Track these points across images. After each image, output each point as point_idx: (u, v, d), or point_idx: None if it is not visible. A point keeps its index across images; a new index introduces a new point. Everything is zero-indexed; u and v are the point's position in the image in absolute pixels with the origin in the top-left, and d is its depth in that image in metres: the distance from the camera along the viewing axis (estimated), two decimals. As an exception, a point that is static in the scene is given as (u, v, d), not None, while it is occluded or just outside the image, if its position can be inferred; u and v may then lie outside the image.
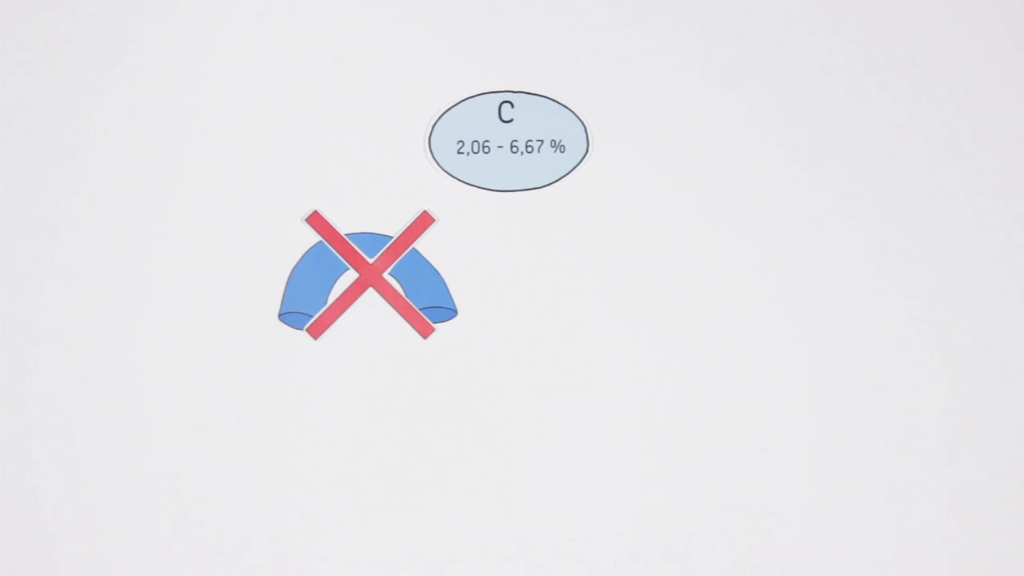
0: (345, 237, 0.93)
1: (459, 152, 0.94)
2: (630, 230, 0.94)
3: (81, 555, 0.91)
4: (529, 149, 0.94)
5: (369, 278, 0.93)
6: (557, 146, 0.94)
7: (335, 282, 0.93)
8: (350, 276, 0.93)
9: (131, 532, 0.91)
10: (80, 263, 0.92)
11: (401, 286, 0.93)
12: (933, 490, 0.94)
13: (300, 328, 0.93)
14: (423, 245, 0.94)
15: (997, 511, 0.94)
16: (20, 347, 0.92)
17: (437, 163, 0.94)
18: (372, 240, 0.93)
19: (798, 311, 0.94)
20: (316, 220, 0.93)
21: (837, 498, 0.94)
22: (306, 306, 0.93)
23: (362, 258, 0.93)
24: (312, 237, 0.93)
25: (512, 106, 0.94)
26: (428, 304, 0.93)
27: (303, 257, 0.93)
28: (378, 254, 0.93)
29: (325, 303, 0.93)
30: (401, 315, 0.93)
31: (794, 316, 0.94)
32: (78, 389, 0.92)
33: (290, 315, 0.93)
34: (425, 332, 0.93)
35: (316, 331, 0.93)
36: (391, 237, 0.93)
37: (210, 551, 0.92)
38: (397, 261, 0.93)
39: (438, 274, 0.94)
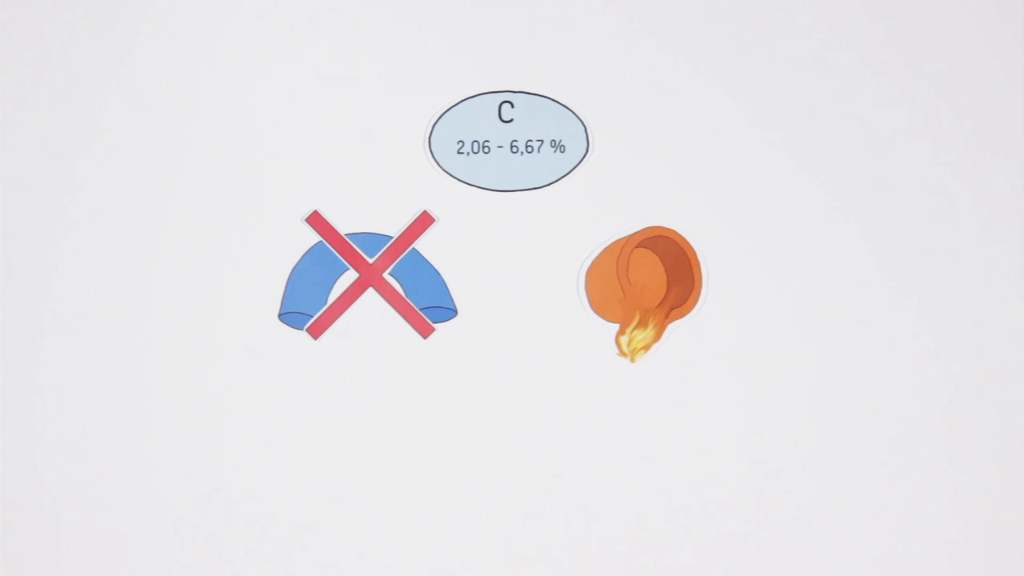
0: (345, 237, 0.93)
1: (459, 152, 0.94)
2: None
3: (83, 552, 0.91)
4: (529, 149, 0.94)
5: (369, 278, 0.93)
6: (557, 146, 0.94)
7: (335, 282, 0.93)
8: (350, 276, 0.93)
9: (132, 529, 0.91)
10: (81, 263, 0.92)
11: (401, 286, 0.94)
12: (934, 489, 0.94)
13: (300, 328, 0.93)
14: (423, 245, 0.94)
15: (998, 510, 0.94)
16: (24, 346, 0.92)
17: (437, 163, 0.94)
18: (372, 240, 0.93)
19: (798, 311, 0.94)
20: (316, 220, 0.93)
21: (838, 498, 0.94)
22: (306, 306, 0.93)
23: (362, 258, 0.93)
24: (312, 237, 0.93)
25: (512, 106, 0.94)
26: (428, 304, 0.93)
27: (303, 257, 0.93)
28: (378, 254, 0.93)
29: (325, 303, 0.93)
30: (401, 315, 0.93)
31: (794, 316, 0.94)
32: (78, 387, 0.92)
33: (290, 315, 0.93)
34: (425, 332, 0.93)
35: (316, 331, 0.93)
36: (391, 237, 0.93)
37: (209, 549, 0.92)
38: (397, 261, 0.93)
39: (438, 274, 0.94)
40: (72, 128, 0.93)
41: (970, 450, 0.94)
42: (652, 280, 0.94)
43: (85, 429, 0.92)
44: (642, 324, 0.93)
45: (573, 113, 0.94)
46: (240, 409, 0.92)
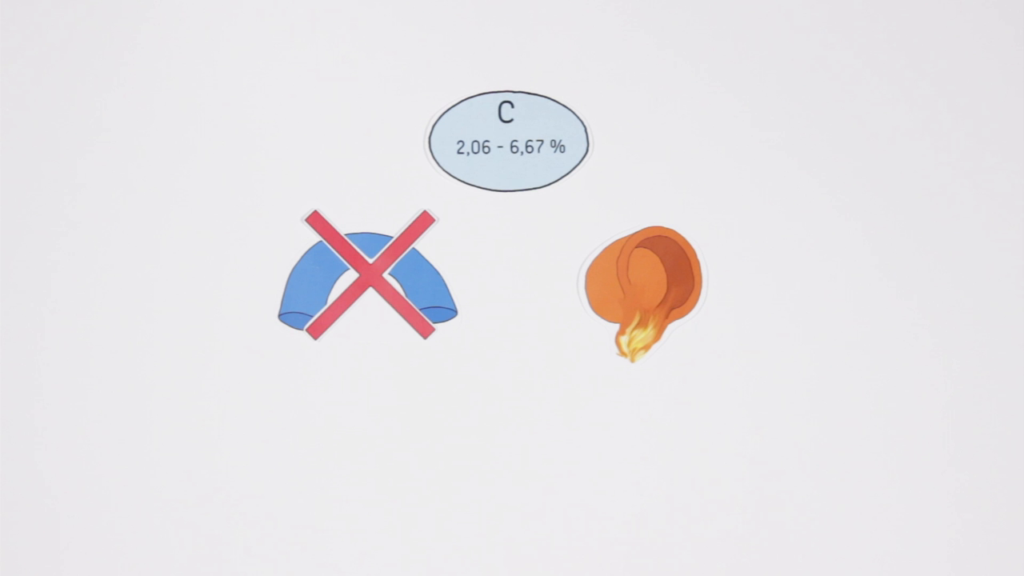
0: (345, 237, 0.93)
1: (459, 152, 0.94)
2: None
3: (83, 552, 0.91)
4: (529, 149, 0.94)
5: (369, 278, 0.93)
6: (557, 146, 0.94)
7: (335, 282, 0.93)
8: (350, 276, 0.93)
9: (132, 529, 0.91)
10: (81, 263, 0.92)
11: (401, 286, 0.94)
12: (934, 489, 0.94)
13: (300, 328, 0.93)
14: (423, 245, 0.94)
15: (998, 510, 0.94)
16: (24, 346, 0.92)
17: (437, 163, 0.94)
18: (372, 240, 0.93)
19: (798, 311, 0.94)
20: (316, 220, 0.93)
21: (838, 498, 0.94)
22: (306, 306, 0.93)
23: (362, 258, 0.93)
24: (312, 237, 0.93)
25: (512, 106, 0.94)
26: (428, 304, 0.93)
27: (303, 257, 0.93)
28: (378, 254, 0.93)
29: (325, 303, 0.93)
30: (401, 315, 0.93)
31: (794, 316, 0.94)
32: (78, 387, 0.92)
33: (290, 315, 0.93)
34: (425, 332, 0.93)
35: (316, 331, 0.93)
36: (391, 237, 0.93)
37: (209, 549, 0.92)
38: (397, 261, 0.93)
39: (438, 274, 0.94)
40: (72, 128, 0.93)
41: (970, 450, 0.94)
42: (652, 280, 0.94)
43: (85, 429, 0.92)
44: (642, 324, 0.93)
45: (573, 113, 0.94)
46: (240, 409, 0.92)
